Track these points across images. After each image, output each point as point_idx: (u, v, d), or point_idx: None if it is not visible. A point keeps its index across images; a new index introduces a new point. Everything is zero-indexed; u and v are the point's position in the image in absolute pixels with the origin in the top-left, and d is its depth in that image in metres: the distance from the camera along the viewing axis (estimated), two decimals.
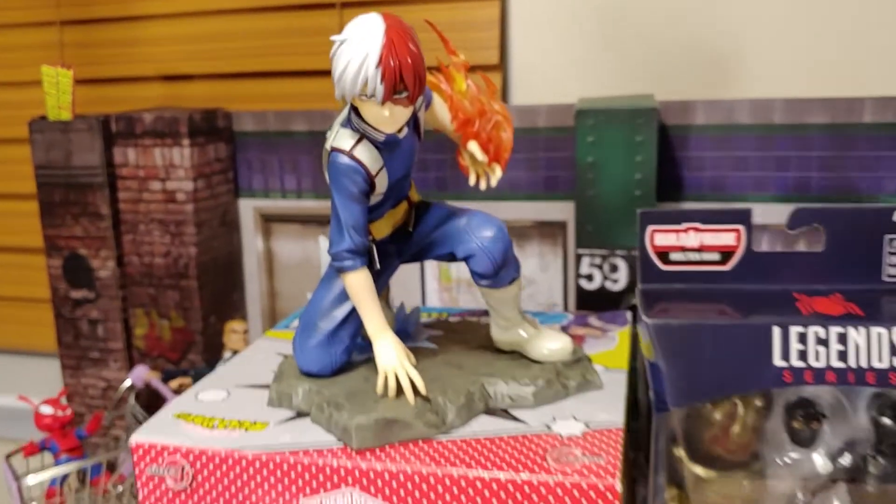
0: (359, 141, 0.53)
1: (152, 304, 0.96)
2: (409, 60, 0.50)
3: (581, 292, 0.86)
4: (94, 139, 0.91)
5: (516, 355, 0.59)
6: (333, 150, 0.53)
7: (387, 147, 0.54)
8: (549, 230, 0.94)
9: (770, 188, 0.87)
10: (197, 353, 0.96)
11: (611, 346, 0.62)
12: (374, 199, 0.55)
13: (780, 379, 0.53)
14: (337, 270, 0.54)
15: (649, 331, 0.54)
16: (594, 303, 0.86)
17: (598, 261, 0.85)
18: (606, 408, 0.53)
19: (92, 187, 0.93)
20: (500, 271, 0.56)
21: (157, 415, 0.55)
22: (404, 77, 0.49)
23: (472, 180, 0.60)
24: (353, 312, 0.56)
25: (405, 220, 0.59)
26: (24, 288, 1.26)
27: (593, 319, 0.69)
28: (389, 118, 0.51)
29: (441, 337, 0.64)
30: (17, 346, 1.31)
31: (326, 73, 0.97)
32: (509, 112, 0.61)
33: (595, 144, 0.82)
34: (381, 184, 0.54)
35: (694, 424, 0.56)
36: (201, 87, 1.14)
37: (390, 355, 0.53)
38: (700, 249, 0.60)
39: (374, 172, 0.54)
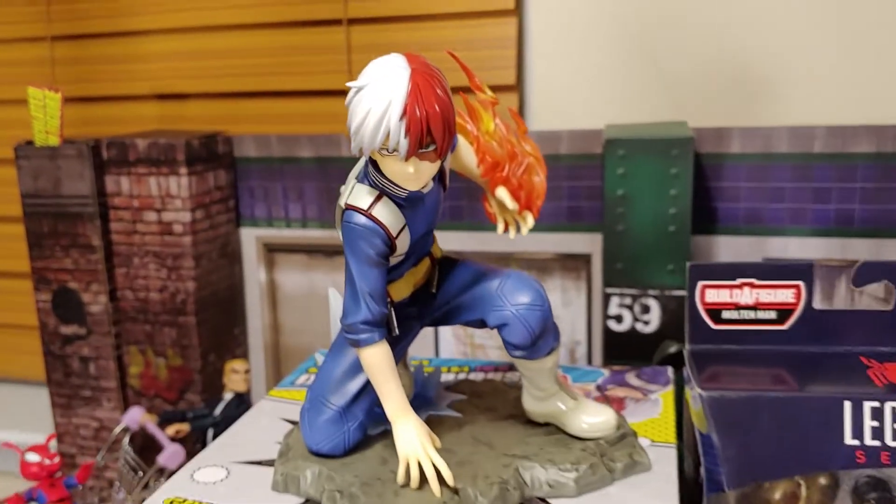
0: (378, 198, 0.47)
1: (148, 341, 0.90)
2: (438, 109, 0.43)
3: (609, 334, 0.80)
4: (83, 166, 0.85)
5: (552, 429, 0.53)
6: (349, 208, 0.47)
7: (409, 203, 0.48)
8: (571, 263, 0.88)
9: (809, 221, 0.81)
10: (195, 393, 0.90)
11: (654, 413, 0.56)
12: (395, 260, 0.49)
13: (851, 459, 0.47)
14: (351, 344, 0.48)
15: (703, 403, 0.48)
16: (624, 346, 0.80)
17: (628, 301, 0.79)
18: (658, 493, 0.47)
19: (82, 217, 0.87)
20: (538, 341, 0.50)
21: (149, 500, 0.48)
22: (432, 129, 0.43)
23: (500, 229, 0.54)
24: (369, 385, 0.49)
25: (427, 278, 0.53)
26: (10, 314, 1.20)
27: (632, 377, 0.63)
28: (414, 175, 0.45)
29: (465, 403, 0.58)
30: (3, 374, 1.25)
31: (332, 93, 0.90)
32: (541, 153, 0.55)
33: (626, 177, 0.76)
34: (403, 244, 0.48)
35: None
36: (199, 106, 1.07)
37: (412, 441, 0.46)
38: (755, 307, 0.54)
39: (395, 233, 0.47)
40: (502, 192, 0.52)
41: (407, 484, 0.46)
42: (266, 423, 0.58)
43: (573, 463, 0.48)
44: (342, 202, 0.48)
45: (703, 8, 0.88)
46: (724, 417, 0.48)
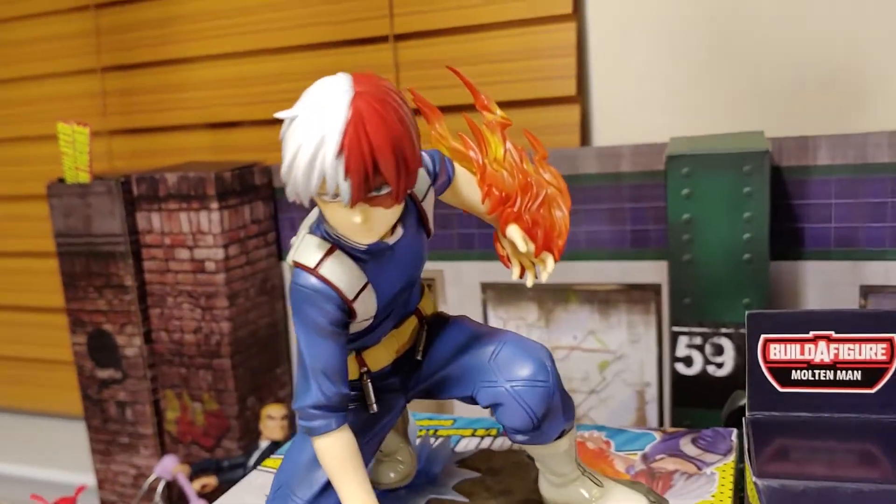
0: (329, 252, 0.39)
1: (184, 384, 0.85)
2: (388, 142, 0.34)
3: (678, 379, 0.70)
4: (114, 203, 0.82)
5: None
6: (295, 265, 0.39)
7: (372, 256, 0.39)
8: (639, 295, 0.78)
9: None
10: (233, 440, 0.85)
11: (706, 494, 0.46)
12: (360, 326, 0.41)
13: None
14: (304, 432, 0.40)
15: (759, 495, 0.38)
16: (694, 392, 0.69)
17: (697, 341, 0.69)
18: None
19: (115, 256, 0.83)
20: (542, 424, 0.40)
21: None
22: (381, 167, 0.34)
23: (515, 274, 0.45)
24: None
25: (413, 342, 0.44)
26: (48, 349, 1.19)
27: (687, 444, 0.53)
28: (362, 225, 0.36)
29: (476, 483, 0.49)
30: (41, 409, 1.24)
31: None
32: (564, 181, 0.46)
33: (692, 198, 0.66)
34: (366, 308, 0.40)
35: None
36: (248, 134, 1.03)
37: None
38: (834, 366, 0.43)
39: (351, 296, 0.39)
40: (514, 232, 0.43)
41: None
42: (251, 502, 0.50)
43: None
44: (289, 259, 0.40)
45: (782, 1, 0.77)
46: None
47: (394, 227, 0.39)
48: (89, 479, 0.94)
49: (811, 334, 0.43)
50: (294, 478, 0.43)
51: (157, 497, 0.81)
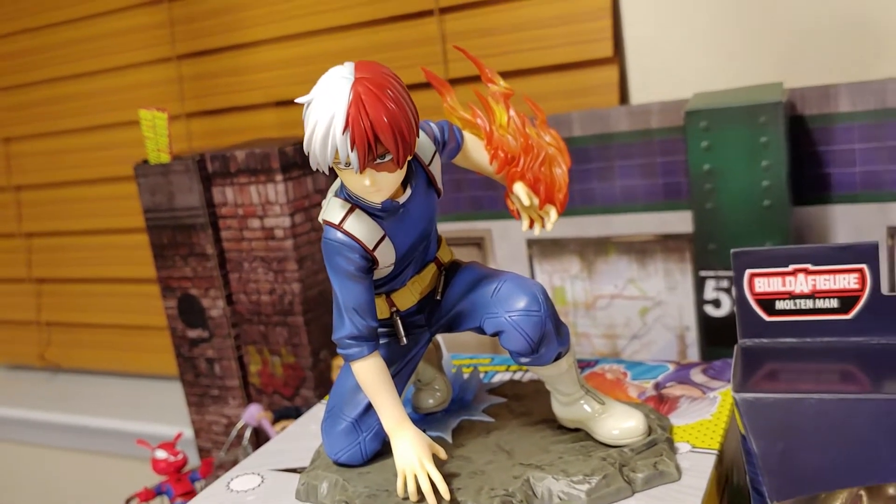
0: (350, 211, 0.46)
1: (263, 341, 0.94)
2: (385, 118, 0.41)
3: (707, 321, 0.74)
4: (192, 180, 0.91)
5: (581, 435, 0.50)
6: (324, 223, 0.47)
7: (388, 214, 0.46)
8: (674, 244, 0.82)
9: None
10: (309, 389, 0.93)
11: (707, 414, 0.52)
12: (384, 272, 0.48)
13: None
14: (343, 358, 0.48)
15: (738, 407, 0.44)
16: (725, 333, 0.74)
17: (724, 284, 0.73)
18: None
19: (195, 228, 0.92)
20: (540, 348, 0.47)
21: None
22: (381, 139, 0.41)
23: (524, 226, 0.51)
24: None
25: (434, 285, 0.51)
26: (141, 316, 1.31)
27: (697, 373, 0.58)
28: (372, 187, 0.43)
29: (501, 407, 0.56)
30: (139, 371, 1.38)
31: (429, 85, 0.91)
32: (563, 141, 0.51)
33: (711, 150, 0.71)
34: (386, 256, 0.47)
35: None
36: None
37: (409, 454, 0.45)
38: (813, 296, 0.48)
39: (371, 246, 0.46)
40: (519, 188, 0.50)
41: (407, 497, 0.45)
42: (315, 430, 0.59)
43: (587, 474, 0.45)
44: (320, 217, 0.47)
45: None
46: (761, 423, 0.43)
47: (404, 189, 0.46)
48: (186, 430, 1.05)
49: (791, 268, 0.48)
50: (342, 400, 0.51)
51: (245, 441, 0.90)
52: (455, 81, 0.96)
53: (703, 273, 0.74)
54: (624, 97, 0.93)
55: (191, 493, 0.86)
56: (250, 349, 0.95)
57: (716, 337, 0.75)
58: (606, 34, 0.91)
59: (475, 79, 0.53)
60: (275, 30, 1.11)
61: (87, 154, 1.31)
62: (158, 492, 0.86)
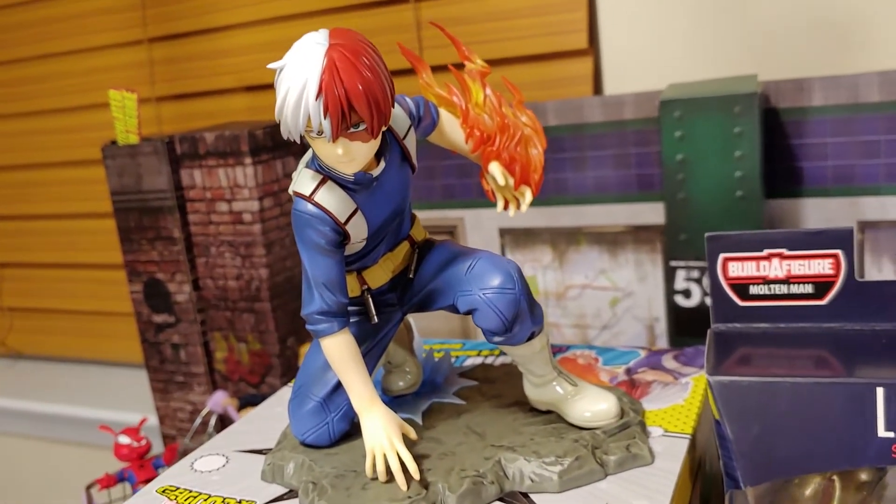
0: (322, 183, 0.45)
1: (229, 327, 0.93)
2: (360, 86, 0.40)
3: (676, 311, 0.74)
4: (160, 162, 0.89)
5: (553, 417, 0.49)
6: (294, 194, 0.46)
7: (360, 187, 0.45)
8: (645, 235, 0.82)
9: None
10: (276, 377, 0.92)
11: (679, 400, 0.52)
12: (356, 247, 0.47)
13: (887, 455, 0.41)
14: (312, 334, 0.47)
15: (711, 390, 0.44)
16: (694, 324, 0.74)
17: (695, 274, 0.73)
18: (650, 493, 0.43)
19: (163, 211, 0.91)
20: (513, 327, 0.46)
21: (142, 490, 0.50)
22: (355, 107, 0.40)
23: (499, 207, 0.51)
24: None
25: (407, 263, 0.51)
26: (106, 303, 1.29)
27: (669, 359, 0.58)
28: (344, 156, 0.42)
29: (473, 390, 0.55)
30: (103, 358, 1.36)
31: (404, 72, 0.90)
32: (539, 122, 0.51)
33: (684, 140, 0.71)
34: (358, 230, 0.46)
35: (778, 502, 0.44)
36: None
37: (378, 433, 0.45)
38: (788, 281, 0.48)
39: (342, 219, 0.45)
40: (494, 168, 0.49)
41: (375, 477, 0.45)
42: (281, 411, 0.58)
43: (559, 456, 0.44)
44: (290, 189, 0.46)
45: None
46: (735, 407, 0.43)
47: (377, 162, 0.45)
48: (151, 417, 1.03)
49: (765, 252, 0.48)
50: (310, 379, 0.50)
51: (210, 428, 0.89)
52: (431, 69, 0.95)
53: (673, 263, 0.74)
54: (598, 89, 0.93)
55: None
56: (216, 335, 0.94)
57: (685, 327, 0.75)
58: (581, 25, 0.91)
59: (452, 67, 0.52)
60: (247, 14, 1.09)
61: (55, 136, 1.29)
62: (120, 478, 0.85)
